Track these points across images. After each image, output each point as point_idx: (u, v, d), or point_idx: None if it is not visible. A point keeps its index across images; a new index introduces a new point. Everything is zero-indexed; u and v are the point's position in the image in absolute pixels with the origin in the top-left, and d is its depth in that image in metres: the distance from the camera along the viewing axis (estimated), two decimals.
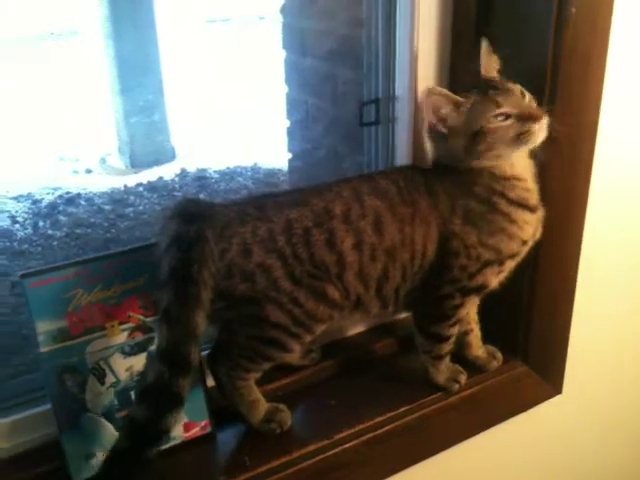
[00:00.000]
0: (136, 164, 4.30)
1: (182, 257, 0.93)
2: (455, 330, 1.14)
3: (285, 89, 2.09)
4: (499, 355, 1.27)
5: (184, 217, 0.97)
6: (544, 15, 1.07)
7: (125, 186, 3.92)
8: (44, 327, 0.99)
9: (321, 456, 1.09)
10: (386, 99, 1.25)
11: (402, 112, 1.23)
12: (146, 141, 4.41)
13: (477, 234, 1.04)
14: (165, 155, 4.43)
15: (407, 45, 1.17)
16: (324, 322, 1.04)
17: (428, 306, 1.10)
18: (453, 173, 1.05)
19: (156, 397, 0.91)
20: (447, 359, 1.18)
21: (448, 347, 1.15)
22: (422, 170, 1.10)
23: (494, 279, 1.09)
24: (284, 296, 0.98)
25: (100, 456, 1.01)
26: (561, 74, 1.08)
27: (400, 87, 1.22)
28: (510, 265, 1.09)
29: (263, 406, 1.10)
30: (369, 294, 1.05)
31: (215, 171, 4.13)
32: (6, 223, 3.46)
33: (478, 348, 1.25)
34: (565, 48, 1.06)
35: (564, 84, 1.09)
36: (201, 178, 4.02)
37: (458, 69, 1.20)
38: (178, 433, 1.08)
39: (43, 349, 0.99)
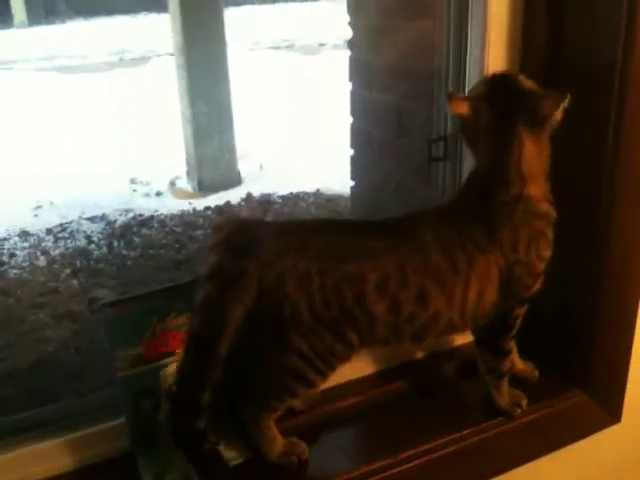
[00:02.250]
0: (204, 188, 4.45)
1: (219, 293, 0.96)
2: (513, 344, 1.18)
3: (350, 120, 2.17)
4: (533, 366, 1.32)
5: (230, 248, 0.98)
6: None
7: (194, 209, 4.06)
8: (122, 353, 1.05)
9: (386, 473, 1.13)
10: (454, 137, 1.31)
11: (470, 151, 1.27)
12: (214, 166, 4.55)
13: (536, 250, 1.07)
14: (232, 180, 4.57)
15: None
16: (343, 360, 1.05)
17: (491, 321, 1.12)
18: (517, 200, 1.05)
19: (182, 407, 0.99)
20: (506, 382, 1.21)
21: (508, 364, 1.19)
22: (484, 216, 1.06)
23: (539, 285, 1.12)
24: (306, 328, 1.00)
25: (169, 475, 1.07)
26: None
27: None
28: None
29: (281, 441, 1.11)
30: (401, 342, 1.08)
31: (279, 196, 4.24)
32: (82, 243, 3.63)
33: (519, 363, 1.30)
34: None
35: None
36: (266, 202, 4.15)
37: None
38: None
39: (121, 374, 1.05)
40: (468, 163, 1.30)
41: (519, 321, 1.15)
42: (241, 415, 1.09)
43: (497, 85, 1.07)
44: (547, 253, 1.09)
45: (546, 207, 1.07)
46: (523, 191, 1.05)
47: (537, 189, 1.06)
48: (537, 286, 1.12)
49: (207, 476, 1.05)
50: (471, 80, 1.26)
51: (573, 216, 1.20)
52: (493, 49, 1.22)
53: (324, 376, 1.06)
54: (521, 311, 1.14)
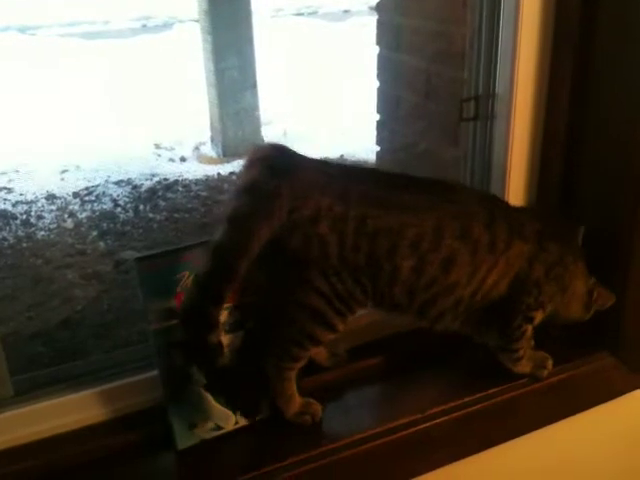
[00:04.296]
0: (228, 153, 4.43)
1: (250, 209, 0.95)
2: (524, 342, 1.20)
3: (376, 84, 2.15)
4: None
5: (268, 167, 0.97)
6: None
7: (218, 174, 4.08)
8: (155, 306, 1.05)
9: (413, 429, 1.15)
10: (486, 96, 1.30)
11: (502, 109, 1.27)
12: (238, 131, 4.55)
13: (552, 291, 1.14)
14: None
15: (510, 44, 1.22)
16: (361, 304, 1.06)
17: (499, 332, 1.17)
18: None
19: (194, 319, 0.97)
20: (527, 352, 1.23)
21: (522, 351, 1.21)
22: (545, 227, 1.14)
23: (541, 316, 1.17)
24: (330, 269, 1.00)
25: (201, 425, 1.10)
26: None
27: (501, 85, 1.27)
28: None
29: (298, 400, 1.13)
30: (409, 311, 1.09)
31: None
32: (109, 206, 3.67)
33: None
34: None
35: None
36: None
37: (558, 68, 1.25)
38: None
39: (154, 326, 1.06)
40: (500, 123, 1.30)
41: (527, 331, 1.18)
42: (266, 368, 1.10)
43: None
44: (552, 305, 1.16)
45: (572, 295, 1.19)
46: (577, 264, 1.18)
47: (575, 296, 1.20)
48: (535, 314, 1.15)
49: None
50: (504, 39, 1.25)
51: (605, 182, 1.20)
52: (527, 8, 1.20)
53: (344, 318, 1.06)
54: (526, 326, 1.16)
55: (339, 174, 1.04)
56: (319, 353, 1.21)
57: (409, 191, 1.05)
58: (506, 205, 1.19)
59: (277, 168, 0.98)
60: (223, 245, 0.96)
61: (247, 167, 1.01)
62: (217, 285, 0.96)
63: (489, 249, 1.05)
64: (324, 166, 1.06)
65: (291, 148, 1.04)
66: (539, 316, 1.16)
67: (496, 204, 1.14)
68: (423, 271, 1.03)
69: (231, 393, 1.04)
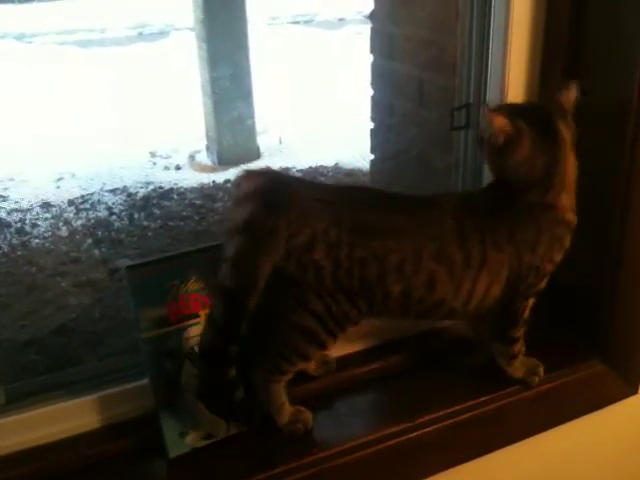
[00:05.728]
0: (223, 162, 4.45)
1: (250, 248, 0.97)
2: (523, 330, 1.19)
3: (370, 92, 2.16)
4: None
5: (264, 203, 0.98)
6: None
7: (214, 182, 4.08)
8: (146, 315, 1.06)
9: (403, 437, 1.15)
10: (477, 104, 1.30)
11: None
12: (233, 140, 4.56)
13: (550, 255, 1.09)
14: (251, 154, 4.56)
15: (500, 52, 1.23)
16: (354, 323, 1.07)
17: (497, 316, 1.15)
18: (548, 207, 1.07)
19: (212, 358, 1.02)
20: (520, 356, 1.23)
21: (519, 346, 1.21)
22: (509, 216, 1.08)
23: (544, 284, 1.15)
24: (324, 290, 1.01)
25: (192, 434, 1.10)
26: None
27: (492, 92, 1.27)
28: None
29: (289, 409, 1.13)
30: (407, 318, 1.11)
31: (298, 170, 4.24)
32: (104, 214, 3.67)
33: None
34: None
35: None
36: None
37: (549, 75, 1.26)
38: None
39: (145, 335, 1.06)
40: None
41: (527, 313, 1.17)
42: (253, 379, 1.11)
43: (519, 106, 1.13)
44: (559, 258, 1.11)
45: (571, 216, 1.10)
46: (557, 200, 1.07)
47: (568, 199, 1.09)
48: (542, 285, 1.14)
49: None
50: (494, 47, 1.26)
51: (593, 185, 1.20)
52: (517, 16, 1.21)
53: (334, 337, 1.07)
54: (527, 304, 1.16)
55: (331, 198, 1.04)
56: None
57: (394, 213, 1.06)
58: (479, 207, 1.11)
59: (273, 203, 0.98)
60: (231, 287, 0.98)
61: (241, 201, 0.99)
62: (232, 326, 1.00)
63: (465, 266, 1.05)
64: (316, 191, 1.06)
65: (281, 172, 1.06)
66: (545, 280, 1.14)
67: (469, 213, 1.08)
68: (411, 292, 1.05)
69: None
